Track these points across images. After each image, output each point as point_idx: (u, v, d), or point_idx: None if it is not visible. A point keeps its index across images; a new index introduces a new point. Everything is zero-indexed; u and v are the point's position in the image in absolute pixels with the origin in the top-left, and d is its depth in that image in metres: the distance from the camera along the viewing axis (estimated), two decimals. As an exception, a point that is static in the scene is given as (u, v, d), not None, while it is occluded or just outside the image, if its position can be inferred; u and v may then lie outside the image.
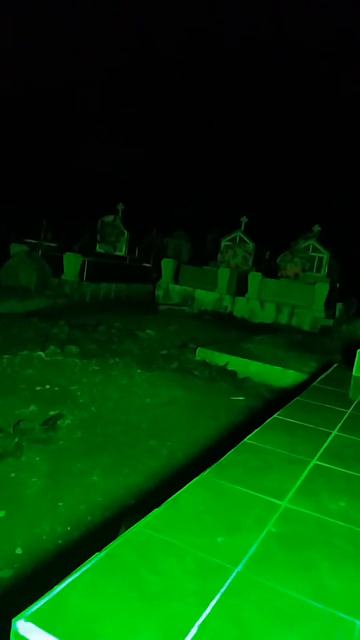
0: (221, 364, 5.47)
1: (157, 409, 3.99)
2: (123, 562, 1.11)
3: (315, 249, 13.35)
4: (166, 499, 1.43)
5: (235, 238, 14.30)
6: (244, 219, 14.17)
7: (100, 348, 5.64)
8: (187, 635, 0.91)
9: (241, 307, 12.32)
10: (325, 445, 2.13)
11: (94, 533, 2.32)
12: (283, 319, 11.79)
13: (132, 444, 3.29)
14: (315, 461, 1.93)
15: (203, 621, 0.96)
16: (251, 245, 14.19)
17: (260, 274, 12.49)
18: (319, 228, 13.64)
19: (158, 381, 4.62)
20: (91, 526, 2.38)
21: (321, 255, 13.33)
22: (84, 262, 11.15)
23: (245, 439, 2.06)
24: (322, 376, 3.74)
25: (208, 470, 1.69)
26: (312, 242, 13.34)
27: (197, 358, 5.67)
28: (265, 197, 24.04)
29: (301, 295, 11.87)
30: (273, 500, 1.55)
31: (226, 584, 1.09)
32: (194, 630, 0.93)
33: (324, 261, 13.33)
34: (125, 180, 24.34)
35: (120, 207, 15.24)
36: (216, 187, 26.45)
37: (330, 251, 13.41)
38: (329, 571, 1.21)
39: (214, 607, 1.00)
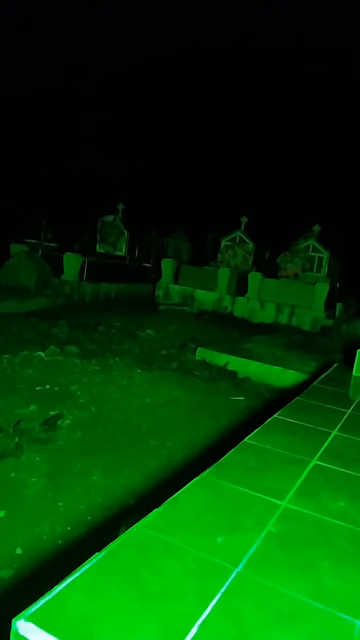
0: (221, 364, 5.46)
1: (157, 409, 3.99)
2: (123, 562, 1.11)
3: (315, 249, 13.35)
4: (166, 499, 1.43)
5: (235, 238, 14.29)
6: (244, 219, 14.16)
7: (100, 348, 5.64)
8: (187, 635, 0.91)
9: (241, 307, 12.31)
10: (325, 445, 2.13)
11: (94, 533, 2.32)
12: (283, 319, 11.79)
13: (132, 444, 3.28)
14: (315, 461, 1.93)
15: (203, 621, 0.96)
16: (251, 245, 14.18)
17: (260, 274, 12.48)
18: (319, 228, 13.63)
19: (158, 381, 4.62)
20: (91, 526, 2.38)
21: (321, 255, 13.33)
22: (84, 262, 11.14)
23: (245, 439, 2.06)
24: (322, 376, 3.73)
25: (208, 470, 1.69)
26: (312, 242, 13.33)
27: (197, 358, 5.67)
28: (265, 197, 24.04)
29: (301, 295, 11.87)
30: (273, 500, 1.55)
31: (226, 584, 1.09)
32: (194, 630, 0.93)
33: (324, 261, 13.33)
34: (125, 180, 24.35)
35: (120, 207, 15.23)
36: (216, 187, 26.46)
37: (330, 251, 13.40)
38: (329, 571, 1.21)
39: (214, 607, 1.00)
